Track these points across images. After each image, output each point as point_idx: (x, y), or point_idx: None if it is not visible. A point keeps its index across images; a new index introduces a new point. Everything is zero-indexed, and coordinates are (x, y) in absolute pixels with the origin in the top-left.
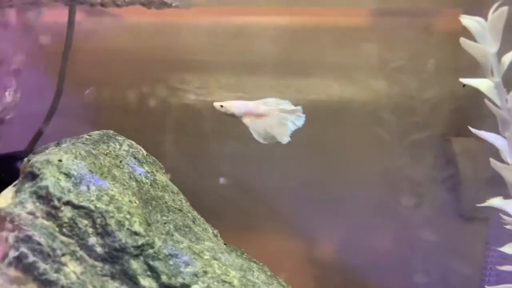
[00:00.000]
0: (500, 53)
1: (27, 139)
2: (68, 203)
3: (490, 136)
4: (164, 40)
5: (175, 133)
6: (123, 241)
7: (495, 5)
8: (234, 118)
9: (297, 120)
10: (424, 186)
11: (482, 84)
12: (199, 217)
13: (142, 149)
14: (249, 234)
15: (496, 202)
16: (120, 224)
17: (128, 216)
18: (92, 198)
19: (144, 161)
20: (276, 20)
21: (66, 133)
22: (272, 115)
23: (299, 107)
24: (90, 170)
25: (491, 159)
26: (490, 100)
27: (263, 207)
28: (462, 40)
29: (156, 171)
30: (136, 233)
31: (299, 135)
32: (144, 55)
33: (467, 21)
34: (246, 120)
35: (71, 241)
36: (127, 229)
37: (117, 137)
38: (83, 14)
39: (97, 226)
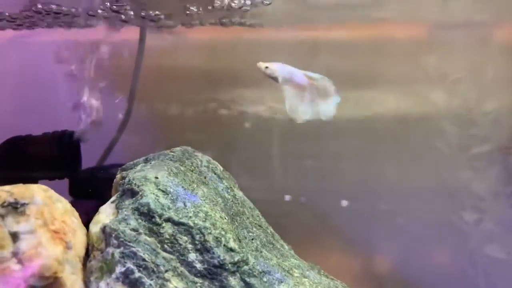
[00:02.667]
0: None
1: (98, 153)
2: (168, 219)
3: None
4: (225, 56)
5: (236, 146)
6: (222, 258)
7: None
8: (273, 82)
9: (326, 111)
10: (486, 200)
11: None
12: (274, 232)
13: (219, 165)
14: (305, 248)
15: None
16: (217, 240)
17: (223, 233)
18: (190, 215)
19: (222, 176)
20: (333, 35)
21: (135, 147)
22: (308, 91)
23: (337, 97)
24: (183, 187)
25: None
26: None
27: (319, 220)
28: None
29: (233, 186)
30: (232, 250)
31: (357, 147)
32: (205, 71)
33: None
34: (285, 87)
35: (172, 257)
36: (224, 245)
37: (195, 153)
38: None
39: (196, 242)
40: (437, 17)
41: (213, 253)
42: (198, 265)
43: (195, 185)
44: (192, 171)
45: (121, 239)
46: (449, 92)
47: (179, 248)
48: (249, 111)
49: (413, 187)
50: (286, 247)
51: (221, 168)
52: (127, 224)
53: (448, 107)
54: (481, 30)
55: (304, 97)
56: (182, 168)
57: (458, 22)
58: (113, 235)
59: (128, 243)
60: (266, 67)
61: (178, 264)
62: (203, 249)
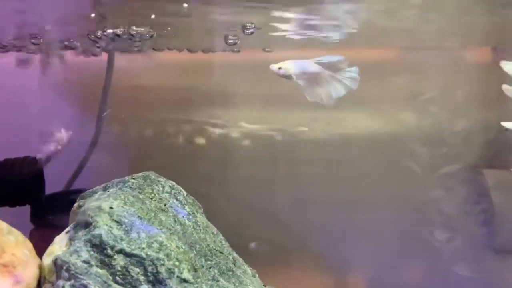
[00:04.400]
0: None
1: (66, 176)
2: (120, 251)
3: None
4: (194, 76)
5: (204, 167)
6: None
7: None
8: (288, 79)
9: (350, 82)
10: (457, 219)
11: None
12: (238, 257)
13: (183, 190)
14: (277, 268)
15: None
16: (170, 271)
17: (177, 263)
18: (143, 246)
19: (185, 202)
20: (306, 55)
21: (103, 170)
22: (324, 75)
23: (354, 68)
24: (139, 216)
25: None
26: None
27: (293, 240)
28: (505, 87)
29: (196, 211)
30: (185, 281)
31: (328, 166)
32: (174, 91)
33: (509, 67)
34: (300, 81)
35: None
36: (177, 276)
37: (159, 179)
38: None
39: (149, 274)
40: (408, 41)
41: (166, 284)
42: None
43: (153, 214)
44: (151, 198)
45: (72, 272)
46: (419, 111)
47: (131, 280)
48: (220, 131)
49: (384, 206)
50: (250, 272)
51: (185, 193)
52: (79, 256)
53: (418, 126)
54: (450, 53)
55: (325, 81)
56: (140, 196)
57: (428, 46)
58: (64, 267)
59: (79, 276)
60: (280, 68)
61: None
62: (155, 280)
